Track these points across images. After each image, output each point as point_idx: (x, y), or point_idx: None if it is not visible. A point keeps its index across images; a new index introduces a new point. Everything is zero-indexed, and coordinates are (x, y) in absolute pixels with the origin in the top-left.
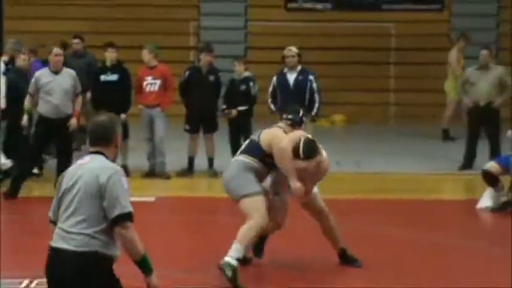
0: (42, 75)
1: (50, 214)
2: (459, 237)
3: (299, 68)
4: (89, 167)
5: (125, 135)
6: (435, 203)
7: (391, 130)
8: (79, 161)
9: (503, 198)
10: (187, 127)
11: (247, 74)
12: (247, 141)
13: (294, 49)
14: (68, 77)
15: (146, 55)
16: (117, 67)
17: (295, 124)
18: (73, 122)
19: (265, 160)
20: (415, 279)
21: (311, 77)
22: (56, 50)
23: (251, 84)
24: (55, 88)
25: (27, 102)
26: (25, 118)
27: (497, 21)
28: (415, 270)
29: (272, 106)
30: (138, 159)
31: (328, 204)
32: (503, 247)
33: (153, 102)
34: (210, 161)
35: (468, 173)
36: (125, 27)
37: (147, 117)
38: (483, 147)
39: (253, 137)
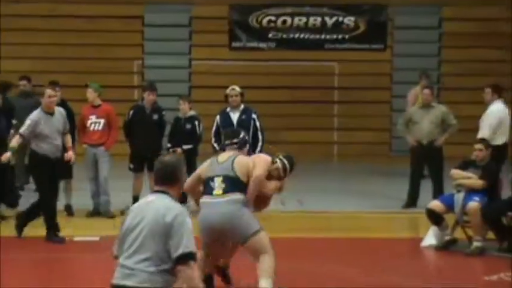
0: (40, 119)
1: (114, 249)
2: (401, 276)
3: (242, 107)
4: (154, 206)
5: (69, 174)
6: (379, 241)
7: (334, 168)
8: (143, 200)
9: (447, 237)
10: (131, 166)
11: (192, 113)
12: (220, 179)
13: (237, 88)
14: (59, 115)
15: (90, 94)
16: (61, 106)
17: (242, 145)
18: (71, 155)
19: (246, 190)
20: None
21: (254, 116)
22: (49, 91)
23: (196, 123)
24: (52, 129)
25: (15, 142)
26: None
27: (438, 62)
28: None
29: (216, 145)
30: (82, 198)
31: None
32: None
33: (97, 141)
34: None
35: (412, 211)
36: (68, 65)
37: (91, 156)
38: (427, 186)
39: (226, 172)
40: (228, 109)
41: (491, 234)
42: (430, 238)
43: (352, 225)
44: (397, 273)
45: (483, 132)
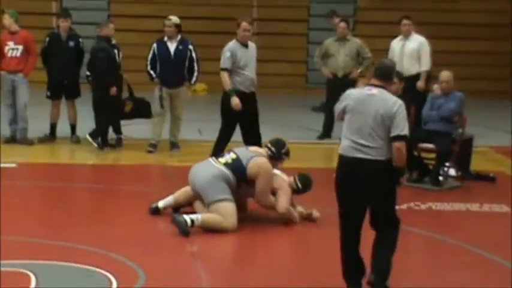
0: None
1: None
2: (317, 207)
3: (179, 37)
4: (379, 97)
5: None
6: (293, 171)
7: None
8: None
9: None
10: (48, 93)
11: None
12: (233, 155)
13: (172, 19)
14: None
15: (7, 20)
16: None
17: (274, 159)
18: None
19: (241, 182)
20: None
21: (190, 47)
22: None
23: (116, 51)
24: None
25: None
26: None
27: None
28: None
29: (152, 72)
30: None
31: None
32: None
33: (15, 68)
34: (72, 127)
35: (327, 142)
36: None
37: (9, 83)
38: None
39: (242, 155)
40: (165, 38)
41: None
42: None
43: None
44: (314, 203)
45: (427, 65)
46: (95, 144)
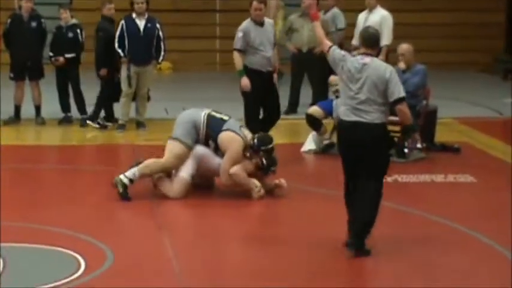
0: None
1: None
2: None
3: (146, 15)
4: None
5: None
6: None
7: (217, 77)
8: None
9: (326, 141)
10: (11, 75)
11: (74, 21)
12: (225, 117)
13: None
14: None
15: None
16: None
17: (252, 151)
18: None
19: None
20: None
21: (158, 25)
22: None
23: (78, 31)
24: None
25: None
26: None
27: None
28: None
29: (120, 51)
30: None
31: (156, 150)
32: (322, 187)
33: None
34: (37, 108)
35: (292, 118)
36: None
37: None
38: (307, 93)
39: (231, 123)
40: (134, 16)
41: None
42: (310, 143)
43: None
44: (280, 177)
45: (388, 39)
46: (97, 126)
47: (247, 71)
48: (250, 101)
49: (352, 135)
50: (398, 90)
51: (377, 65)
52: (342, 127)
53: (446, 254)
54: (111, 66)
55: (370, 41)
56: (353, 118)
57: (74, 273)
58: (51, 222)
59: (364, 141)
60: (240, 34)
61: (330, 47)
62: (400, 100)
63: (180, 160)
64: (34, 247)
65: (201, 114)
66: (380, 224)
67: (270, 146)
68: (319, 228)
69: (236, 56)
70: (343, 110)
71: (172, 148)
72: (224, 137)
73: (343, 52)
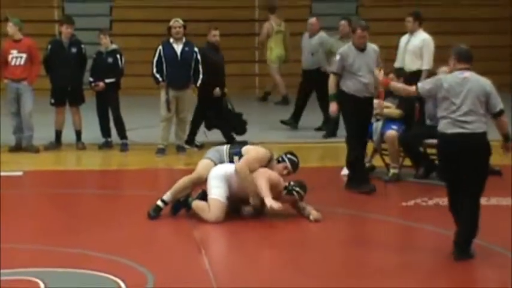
0: None
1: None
2: (323, 205)
3: (184, 39)
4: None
5: None
6: (301, 170)
7: (255, 101)
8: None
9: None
10: (52, 100)
11: (113, 46)
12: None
13: (180, 20)
14: None
15: (11, 28)
16: None
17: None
18: None
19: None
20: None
21: (195, 49)
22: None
23: (118, 56)
24: None
25: None
26: None
27: None
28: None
29: (158, 76)
30: (4, 133)
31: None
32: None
33: (19, 76)
34: (78, 133)
35: (333, 141)
36: None
37: (14, 91)
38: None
39: (242, 145)
40: (172, 40)
41: (408, 162)
42: None
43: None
44: (320, 202)
45: (428, 64)
46: (195, 149)
47: (344, 95)
48: (349, 121)
49: (455, 146)
50: (499, 102)
51: (477, 78)
52: (443, 140)
53: (494, 280)
54: (220, 86)
55: (467, 57)
56: (456, 130)
57: None
58: (91, 247)
59: (467, 150)
60: (337, 57)
61: (416, 87)
62: (501, 112)
63: (205, 170)
64: (75, 272)
65: (223, 147)
66: (423, 248)
67: (296, 159)
68: (365, 252)
69: (330, 78)
70: (443, 123)
71: (202, 164)
72: (249, 147)
73: (432, 79)
